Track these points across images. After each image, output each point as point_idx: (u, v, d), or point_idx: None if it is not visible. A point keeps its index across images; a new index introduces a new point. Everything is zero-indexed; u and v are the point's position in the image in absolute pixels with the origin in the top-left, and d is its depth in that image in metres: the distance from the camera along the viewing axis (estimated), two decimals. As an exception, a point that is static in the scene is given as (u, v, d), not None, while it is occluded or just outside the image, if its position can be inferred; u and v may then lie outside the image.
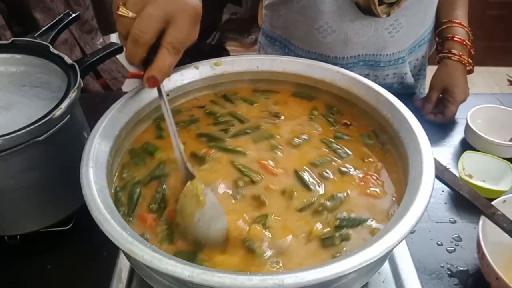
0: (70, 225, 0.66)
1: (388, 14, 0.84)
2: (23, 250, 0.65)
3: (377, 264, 0.46)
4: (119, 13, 0.45)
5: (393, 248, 0.39)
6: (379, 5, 0.82)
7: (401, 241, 0.39)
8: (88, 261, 0.64)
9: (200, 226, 0.46)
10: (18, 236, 0.64)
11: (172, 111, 0.50)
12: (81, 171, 0.45)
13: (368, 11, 0.83)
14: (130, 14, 0.44)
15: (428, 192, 0.43)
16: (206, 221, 0.46)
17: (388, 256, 0.53)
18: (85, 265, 0.63)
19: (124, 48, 0.47)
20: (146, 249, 0.38)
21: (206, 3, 0.50)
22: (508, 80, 2.58)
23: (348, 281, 0.41)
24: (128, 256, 0.46)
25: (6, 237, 0.64)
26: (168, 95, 0.61)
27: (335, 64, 0.63)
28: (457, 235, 0.68)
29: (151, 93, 0.59)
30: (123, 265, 0.57)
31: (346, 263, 0.36)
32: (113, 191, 0.51)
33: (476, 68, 0.94)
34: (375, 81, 0.95)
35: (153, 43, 0.46)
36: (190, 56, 0.56)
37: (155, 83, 0.47)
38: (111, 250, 0.60)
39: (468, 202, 0.60)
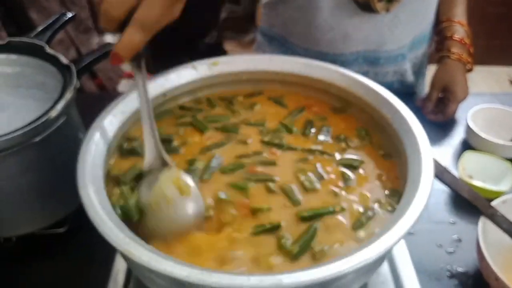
0: (66, 227, 0.65)
1: (387, 10, 0.84)
2: (18, 252, 0.65)
3: (375, 264, 0.45)
4: None
5: (391, 248, 0.39)
6: (378, 1, 0.81)
7: (399, 241, 0.39)
8: (83, 263, 0.63)
9: (179, 215, 0.46)
10: (13, 238, 0.64)
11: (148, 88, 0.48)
12: (77, 171, 0.44)
13: (367, 8, 0.83)
14: None
15: (426, 192, 0.42)
16: (186, 210, 0.46)
17: (387, 256, 0.53)
18: (80, 267, 0.63)
19: None
20: (143, 250, 0.37)
21: (204, 1, 0.49)
22: (510, 81, 2.58)
23: (347, 281, 0.40)
24: (125, 257, 0.45)
25: (1, 239, 0.64)
26: (165, 95, 0.60)
27: (334, 61, 0.63)
28: (457, 236, 0.67)
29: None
30: (119, 267, 0.56)
31: (344, 263, 0.36)
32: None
33: (476, 67, 0.93)
34: (374, 79, 0.94)
35: (124, 19, 0.43)
36: (188, 55, 0.55)
37: (118, 60, 0.44)
38: (107, 253, 0.59)
39: (468, 203, 0.59)
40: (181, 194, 0.47)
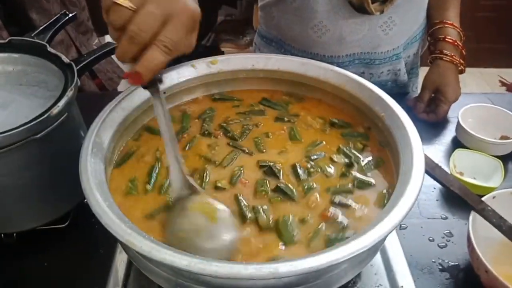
0: (67, 222, 0.66)
1: (382, 12, 0.85)
2: (20, 248, 0.65)
3: (369, 254, 0.47)
4: (117, 1, 0.41)
5: (384, 238, 0.40)
6: (372, 2, 0.83)
7: (391, 231, 0.40)
8: (85, 258, 0.64)
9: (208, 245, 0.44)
10: (14, 234, 0.65)
11: (168, 112, 0.47)
12: (80, 165, 0.46)
13: (361, 9, 0.84)
14: (130, 5, 0.41)
15: (418, 184, 0.44)
16: (216, 239, 0.45)
17: (380, 246, 0.55)
18: (82, 262, 0.64)
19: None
20: (145, 240, 0.39)
21: (201, 4, 0.49)
22: (500, 81, 2.61)
23: (341, 270, 0.42)
24: (126, 248, 0.46)
25: (2, 235, 0.65)
26: (165, 92, 0.61)
27: (331, 64, 0.64)
28: (448, 231, 0.69)
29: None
30: (120, 261, 0.58)
31: (339, 252, 0.37)
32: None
33: (467, 69, 0.95)
34: (370, 78, 0.97)
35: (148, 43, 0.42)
36: (185, 57, 0.56)
37: (138, 80, 0.43)
38: (108, 247, 0.61)
39: (459, 198, 0.61)
40: (213, 221, 0.45)
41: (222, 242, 0.45)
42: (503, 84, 2.61)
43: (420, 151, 0.48)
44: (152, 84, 0.45)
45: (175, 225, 0.46)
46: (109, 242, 0.60)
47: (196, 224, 0.45)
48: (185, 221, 0.46)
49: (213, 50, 2.48)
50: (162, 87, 0.59)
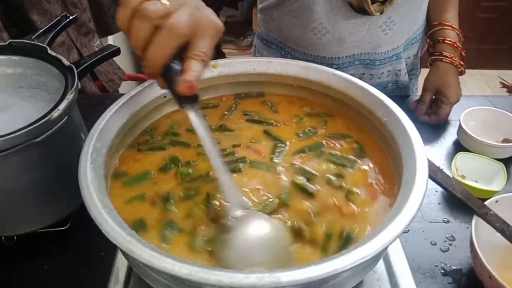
0: (68, 225, 0.66)
1: (381, 12, 0.85)
2: (20, 251, 0.65)
3: (371, 262, 0.46)
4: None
5: (387, 246, 0.40)
6: (372, 3, 0.83)
7: (394, 239, 0.40)
8: (85, 261, 0.64)
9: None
10: (15, 237, 0.65)
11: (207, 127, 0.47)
12: (79, 171, 0.45)
13: (361, 10, 0.84)
14: (166, 4, 0.42)
15: (421, 192, 0.44)
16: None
17: (382, 254, 0.54)
18: (82, 265, 0.64)
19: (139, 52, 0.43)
20: (145, 248, 0.38)
21: None
22: (501, 83, 2.60)
23: (344, 278, 0.41)
24: (126, 255, 0.46)
25: (3, 238, 0.64)
26: (165, 96, 0.61)
27: (331, 65, 0.64)
28: (450, 235, 0.69)
29: (149, 95, 0.60)
30: (120, 265, 0.57)
31: (341, 261, 0.37)
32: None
33: (468, 71, 0.95)
34: (370, 80, 0.97)
35: (181, 46, 0.43)
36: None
37: (192, 88, 0.43)
38: (109, 251, 0.61)
39: (461, 202, 0.60)
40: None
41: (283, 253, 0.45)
42: (504, 85, 2.61)
43: (423, 157, 0.47)
44: (192, 99, 0.45)
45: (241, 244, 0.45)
46: (110, 245, 0.59)
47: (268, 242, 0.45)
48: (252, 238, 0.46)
49: (215, 51, 2.48)
50: (163, 90, 0.60)
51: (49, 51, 0.66)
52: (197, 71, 0.43)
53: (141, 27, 0.42)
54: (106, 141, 0.51)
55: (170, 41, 0.42)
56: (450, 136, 0.89)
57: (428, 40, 0.98)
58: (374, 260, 0.47)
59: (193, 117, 0.46)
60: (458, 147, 0.85)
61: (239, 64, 0.65)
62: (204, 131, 0.46)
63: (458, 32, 0.93)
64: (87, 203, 0.43)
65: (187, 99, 0.45)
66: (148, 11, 0.41)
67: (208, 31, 0.44)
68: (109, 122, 0.53)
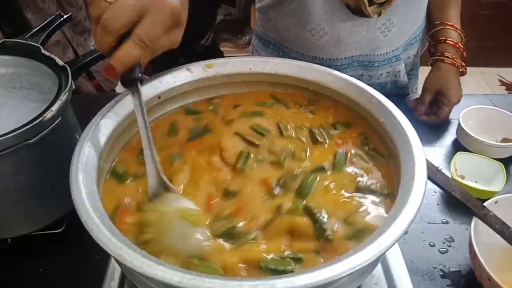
0: (62, 228, 0.66)
1: (379, 14, 0.84)
2: (14, 253, 0.65)
3: (369, 267, 0.46)
4: None
5: (385, 252, 0.39)
6: (369, 5, 0.82)
7: (393, 244, 0.39)
8: (80, 264, 0.64)
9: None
10: (9, 240, 0.64)
11: (146, 112, 0.48)
12: (70, 175, 0.44)
13: (358, 12, 0.83)
14: None
15: (420, 195, 0.43)
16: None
17: (381, 259, 0.53)
18: (76, 268, 0.63)
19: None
20: (136, 255, 0.37)
21: (200, 3, 0.49)
22: (500, 80, 2.60)
23: (341, 284, 0.41)
24: (118, 261, 0.45)
25: (-4, 241, 0.64)
26: (159, 97, 0.60)
27: (329, 66, 0.63)
28: (449, 236, 0.68)
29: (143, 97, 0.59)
30: (115, 268, 0.57)
31: (338, 267, 0.36)
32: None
33: (467, 68, 0.94)
34: (369, 81, 0.96)
35: (122, 34, 0.43)
36: (184, 56, 0.55)
37: (113, 73, 0.44)
38: (103, 253, 0.58)
39: (460, 203, 0.60)
40: (195, 225, 0.45)
41: (194, 241, 0.45)
42: (503, 83, 2.60)
43: (422, 160, 0.46)
44: (131, 82, 0.46)
45: (150, 223, 0.46)
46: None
47: (172, 223, 0.45)
48: (161, 219, 0.46)
49: (212, 49, 2.47)
50: (157, 91, 0.60)
51: (43, 51, 0.66)
52: (125, 54, 0.43)
53: (91, 27, 0.45)
54: (98, 143, 0.50)
55: (105, 37, 0.43)
56: (449, 136, 0.88)
57: (429, 39, 0.97)
58: (371, 265, 0.46)
59: (134, 101, 0.47)
60: (457, 146, 0.85)
61: (235, 64, 0.64)
62: (140, 114, 0.47)
63: (459, 32, 0.92)
64: (77, 207, 0.42)
65: (127, 81, 0.46)
66: (90, 12, 0.44)
67: (156, 11, 0.44)
68: (102, 124, 0.52)
